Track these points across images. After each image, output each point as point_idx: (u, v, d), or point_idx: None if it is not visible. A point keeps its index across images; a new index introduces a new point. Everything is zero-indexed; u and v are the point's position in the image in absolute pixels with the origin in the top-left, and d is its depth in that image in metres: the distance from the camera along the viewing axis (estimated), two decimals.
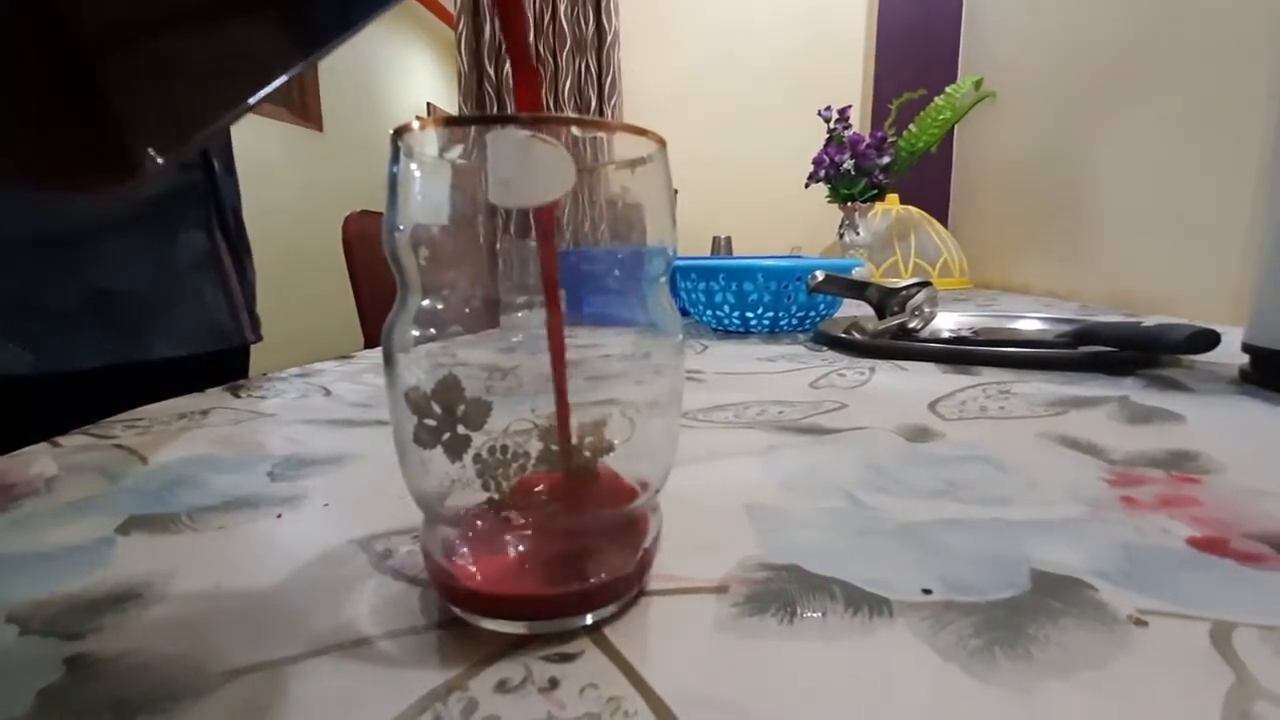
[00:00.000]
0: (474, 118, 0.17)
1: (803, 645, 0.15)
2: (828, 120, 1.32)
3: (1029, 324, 0.65)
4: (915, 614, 0.16)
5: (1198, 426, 0.33)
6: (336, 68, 3.16)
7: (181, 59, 0.13)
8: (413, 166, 0.16)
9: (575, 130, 0.16)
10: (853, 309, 0.73)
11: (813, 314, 0.71)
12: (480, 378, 0.16)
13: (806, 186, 1.38)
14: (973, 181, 1.74)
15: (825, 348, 0.61)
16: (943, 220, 1.71)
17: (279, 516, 0.24)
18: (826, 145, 1.32)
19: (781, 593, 0.18)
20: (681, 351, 0.19)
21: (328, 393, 0.44)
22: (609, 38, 1.98)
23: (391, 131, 0.16)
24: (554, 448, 0.17)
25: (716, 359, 0.56)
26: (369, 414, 0.38)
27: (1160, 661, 0.15)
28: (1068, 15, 1.24)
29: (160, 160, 0.12)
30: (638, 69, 2.02)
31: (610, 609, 0.17)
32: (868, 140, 1.29)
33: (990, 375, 0.46)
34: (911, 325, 0.63)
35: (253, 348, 0.64)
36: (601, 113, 1.99)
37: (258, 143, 2.63)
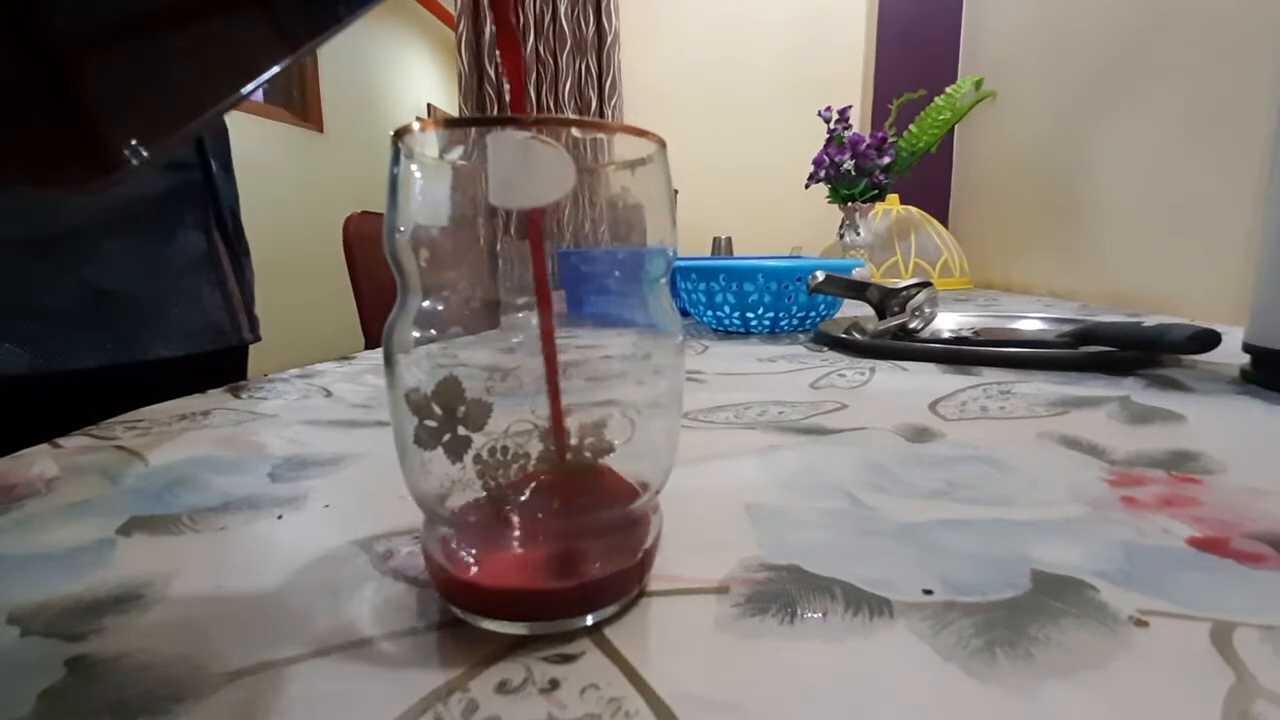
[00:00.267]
0: (474, 119, 0.17)
1: (803, 646, 0.15)
2: (828, 120, 1.32)
3: (1030, 324, 0.65)
4: (916, 614, 0.16)
5: (1198, 426, 0.33)
6: (337, 68, 3.16)
7: (162, 53, 0.13)
8: (413, 168, 0.16)
9: (575, 131, 0.16)
10: (853, 309, 0.73)
11: (813, 314, 0.71)
12: (481, 379, 0.16)
13: (807, 187, 1.38)
14: (973, 181, 1.74)
15: (826, 348, 0.61)
16: (943, 220, 1.71)
17: (280, 517, 0.24)
18: (827, 145, 1.32)
19: (782, 593, 0.18)
20: (682, 352, 0.19)
21: (328, 393, 0.44)
22: (609, 38, 1.98)
23: (392, 133, 0.16)
24: (554, 448, 0.17)
25: (717, 359, 0.56)
26: (370, 415, 0.38)
27: (1161, 662, 0.15)
28: (1068, 15, 1.24)
29: (145, 154, 0.12)
30: (638, 69, 2.02)
31: (611, 609, 0.17)
32: (868, 140, 1.28)
33: (991, 375, 0.46)
34: (912, 325, 0.63)
35: (252, 348, 0.64)
36: (601, 113, 1.99)
37: (258, 143, 2.63)
